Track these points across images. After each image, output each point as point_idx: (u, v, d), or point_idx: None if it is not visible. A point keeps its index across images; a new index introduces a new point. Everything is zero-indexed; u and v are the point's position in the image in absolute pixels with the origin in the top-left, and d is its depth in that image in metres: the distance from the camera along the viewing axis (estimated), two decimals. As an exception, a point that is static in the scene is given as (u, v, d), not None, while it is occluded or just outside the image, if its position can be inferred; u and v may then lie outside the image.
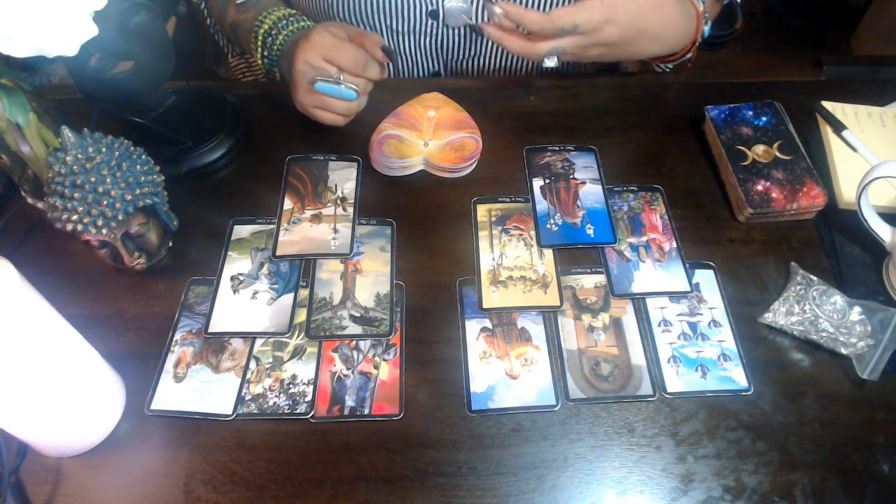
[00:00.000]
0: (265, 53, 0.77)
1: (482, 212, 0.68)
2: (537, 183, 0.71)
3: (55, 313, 0.49)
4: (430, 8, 0.77)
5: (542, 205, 0.69)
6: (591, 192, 0.70)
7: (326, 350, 0.59)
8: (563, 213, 0.68)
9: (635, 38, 0.68)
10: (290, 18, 0.76)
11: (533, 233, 0.67)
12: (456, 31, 0.80)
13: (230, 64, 1.02)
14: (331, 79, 0.67)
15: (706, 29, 0.74)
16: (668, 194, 0.70)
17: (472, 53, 0.83)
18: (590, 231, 0.66)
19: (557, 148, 0.74)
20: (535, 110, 0.79)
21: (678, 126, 0.77)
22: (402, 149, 0.71)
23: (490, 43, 0.82)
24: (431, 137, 0.73)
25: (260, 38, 0.76)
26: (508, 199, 0.69)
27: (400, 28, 0.80)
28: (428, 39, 0.81)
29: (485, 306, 0.61)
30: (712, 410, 0.56)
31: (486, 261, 0.65)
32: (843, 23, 2.14)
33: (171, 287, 0.64)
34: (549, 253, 0.65)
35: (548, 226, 0.67)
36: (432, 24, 0.79)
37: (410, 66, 0.86)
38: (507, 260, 0.65)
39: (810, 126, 0.75)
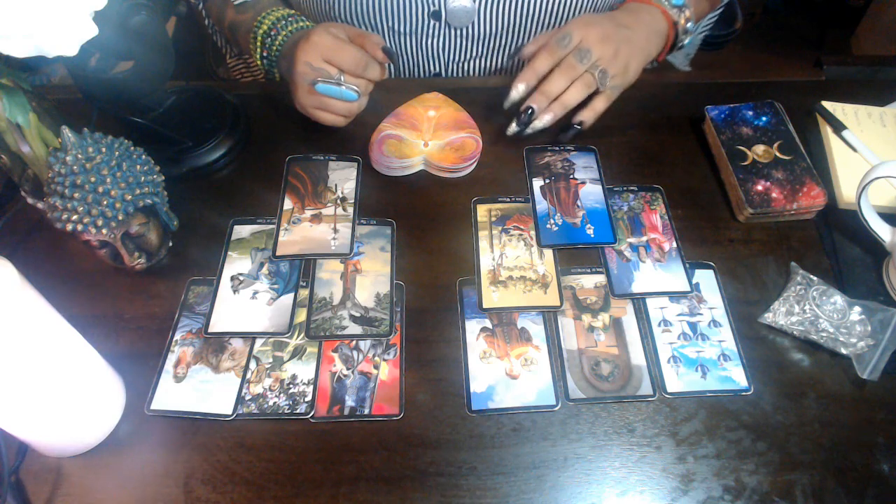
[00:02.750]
0: (264, 54, 0.76)
1: (482, 212, 0.68)
2: (537, 183, 0.71)
3: (55, 313, 0.49)
4: (432, 8, 0.77)
5: (542, 205, 0.69)
6: (591, 192, 0.70)
7: (326, 350, 0.59)
8: (564, 213, 0.68)
9: (620, 39, 0.70)
10: (290, 19, 0.76)
11: (533, 233, 0.67)
12: (458, 32, 0.80)
13: (228, 65, 1.02)
14: (331, 80, 0.67)
15: (689, 26, 0.77)
16: (668, 194, 0.70)
17: (475, 54, 0.83)
18: (590, 231, 0.66)
19: (557, 148, 0.74)
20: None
21: (678, 126, 0.77)
22: (402, 149, 0.71)
23: (492, 44, 0.82)
24: (431, 137, 0.73)
25: (259, 38, 0.76)
26: (508, 199, 0.69)
27: (401, 29, 0.80)
28: (429, 40, 0.81)
29: (485, 306, 0.61)
30: (712, 410, 0.56)
31: (486, 261, 0.65)
32: (843, 23, 2.14)
33: (171, 287, 0.64)
34: (549, 253, 0.65)
35: (548, 226, 0.67)
36: (434, 24, 0.79)
37: (411, 67, 0.85)
38: (507, 260, 0.64)
39: (810, 126, 0.75)
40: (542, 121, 0.68)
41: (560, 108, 0.68)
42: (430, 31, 0.80)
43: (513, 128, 0.69)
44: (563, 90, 0.68)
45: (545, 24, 0.79)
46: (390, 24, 0.79)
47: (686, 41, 0.79)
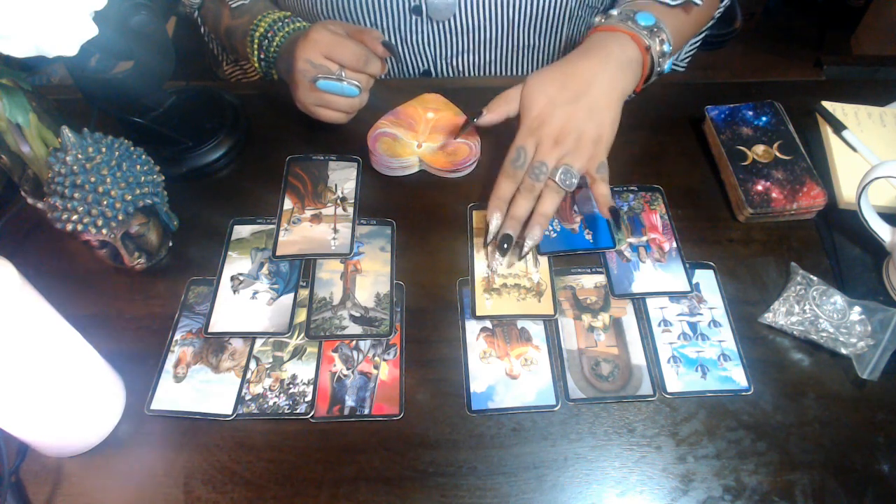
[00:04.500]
0: (261, 56, 0.76)
1: (478, 218, 0.68)
2: None
3: (55, 313, 0.49)
4: (412, 4, 0.77)
5: None
6: (587, 198, 0.69)
7: (326, 350, 0.59)
8: (561, 220, 0.68)
9: (574, 103, 0.64)
10: (286, 20, 0.76)
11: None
12: (441, 27, 0.80)
13: (225, 71, 1.02)
14: (332, 76, 0.67)
15: (665, 48, 0.68)
16: (668, 194, 0.70)
17: (461, 49, 0.83)
18: (588, 237, 0.66)
19: None
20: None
21: (678, 126, 0.77)
22: (396, 147, 0.71)
23: (477, 37, 0.81)
24: (426, 139, 0.72)
25: (256, 41, 0.76)
26: None
27: (383, 25, 0.79)
28: (414, 36, 0.81)
29: (478, 314, 0.61)
30: (712, 410, 0.56)
31: (480, 267, 0.64)
32: (843, 23, 2.14)
33: (171, 287, 0.64)
34: (544, 261, 0.65)
35: (546, 232, 0.66)
36: (416, 19, 0.79)
37: (398, 63, 0.85)
38: (502, 267, 0.64)
39: (810, 126, 0.75)
40: (533, 237, 0.62)
41: (542, 220, 0.62)
42: (413, 26, 0.80)
43: (506, 262, 0.64)
44: (533, 208, 0.63)
45: (528, 14, 0.79)
46: (372, 20, 0.79)
47: (666, 66, 0.71)
